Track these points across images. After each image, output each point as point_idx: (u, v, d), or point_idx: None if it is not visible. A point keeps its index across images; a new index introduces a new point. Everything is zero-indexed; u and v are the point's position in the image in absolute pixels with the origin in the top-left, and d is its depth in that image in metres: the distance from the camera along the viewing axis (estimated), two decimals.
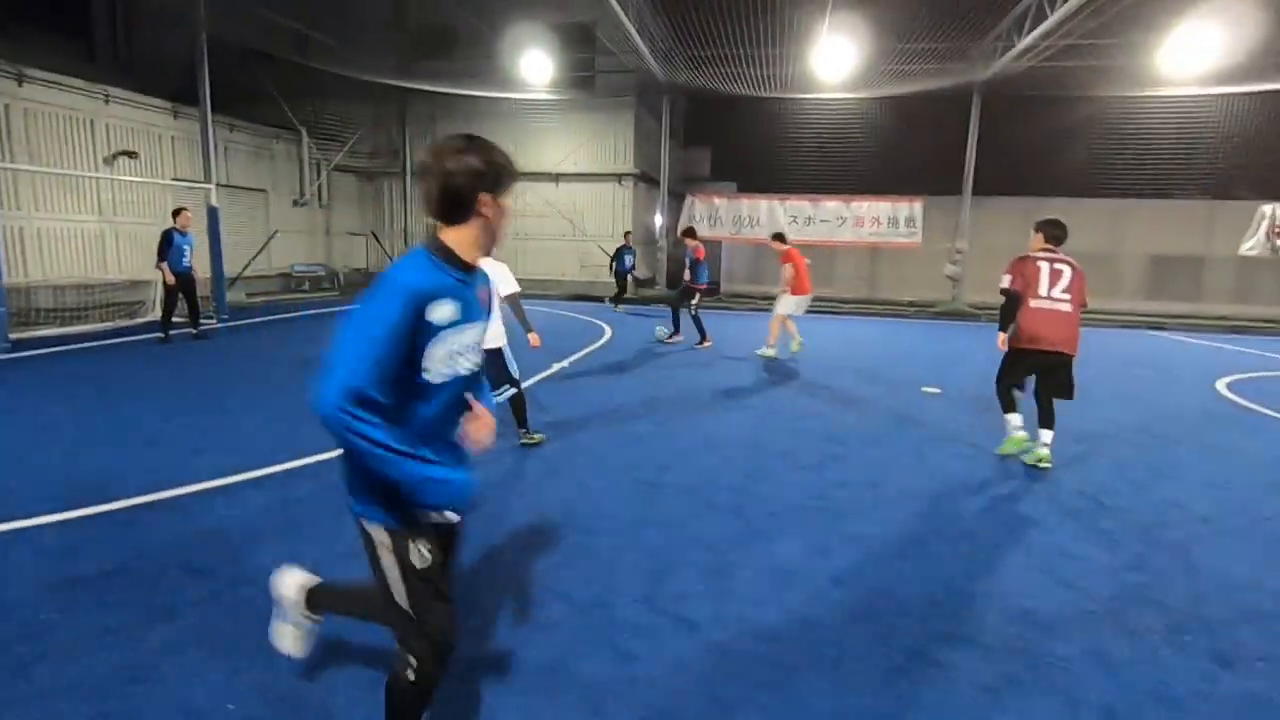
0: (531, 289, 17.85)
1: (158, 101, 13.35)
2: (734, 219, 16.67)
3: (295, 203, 17.11)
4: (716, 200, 17.32)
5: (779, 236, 9.47)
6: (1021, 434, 4.96)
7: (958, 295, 16.18)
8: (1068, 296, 4.81)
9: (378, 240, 19.06)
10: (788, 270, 9.11)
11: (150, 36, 16.41)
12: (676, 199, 18.73)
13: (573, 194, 18.18)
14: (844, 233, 16.39)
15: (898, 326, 14.16)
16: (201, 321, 10.23)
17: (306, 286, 17.01)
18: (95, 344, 8.61)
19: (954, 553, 3.47)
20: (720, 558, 3.33)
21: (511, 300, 4.89)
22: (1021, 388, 4.99)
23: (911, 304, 17.02)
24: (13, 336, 7.96)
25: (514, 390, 4.92)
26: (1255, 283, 17.20)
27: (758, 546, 3.47)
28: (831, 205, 16.50)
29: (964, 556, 3.42)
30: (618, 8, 12.49)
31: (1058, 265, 4.86)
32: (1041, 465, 4.75)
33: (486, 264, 1.89)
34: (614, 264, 15.42)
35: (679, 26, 17.37)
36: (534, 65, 15.68)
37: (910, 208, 16.19)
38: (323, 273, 17.69)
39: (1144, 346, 11.97)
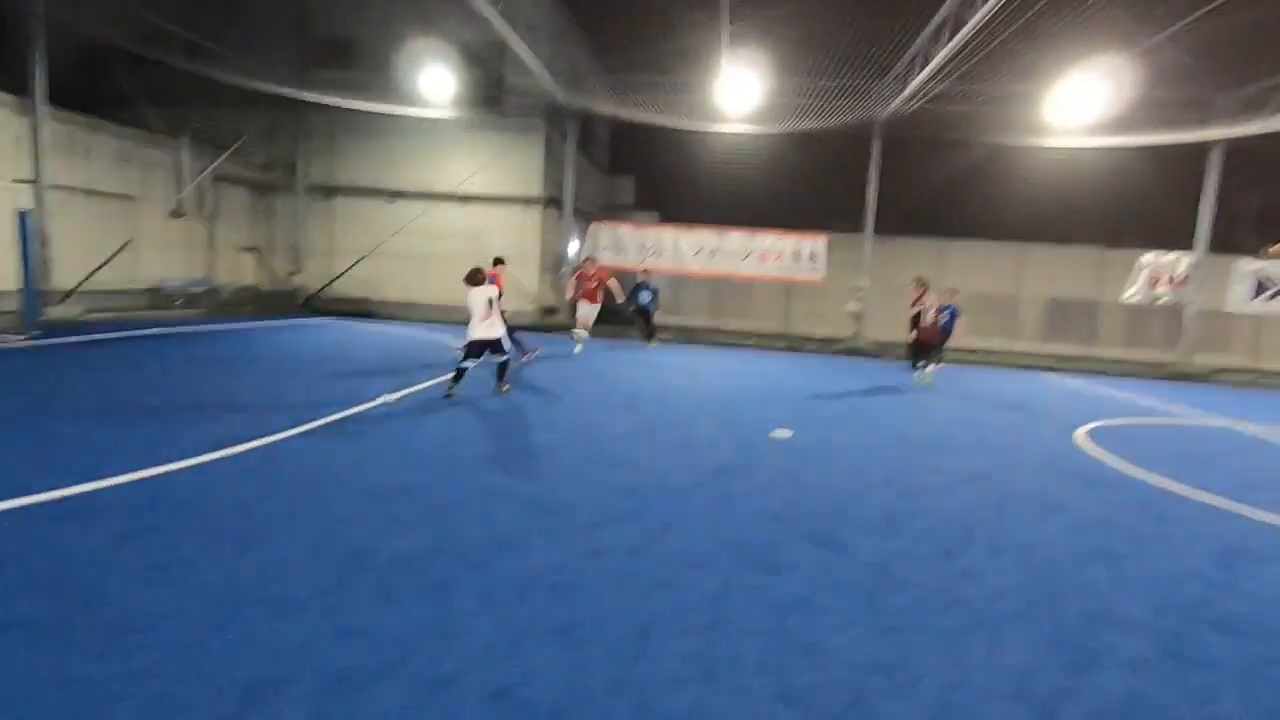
0: (431, 314, 17.05)
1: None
2: (638, 248, 16.27)
3: (172, 213, 15.91)
4: (621, 228, 16.93)
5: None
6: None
7: (859, 332, 16.10)
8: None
9: (260, 256, 17.91)
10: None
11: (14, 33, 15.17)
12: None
13: (478, 216, 17.51)
14: (748, 266, 16.18)
15: (797, 362, 13.90)
16: (5, 339, 9.13)
17: (180, 303, 15.77)
18: None
19: (667, 650, 2.88)
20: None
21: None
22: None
23: (814, 340, 16.88)
24: None
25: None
26: (1145, 328, 17.72)
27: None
28: (736, 238, 16.30)
29: (676, 656, 2.83)
30: (509, 30, 12.03)
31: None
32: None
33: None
34: (631, 301, 14.47)
35: (590, 49, 17.18)
36: (439, 82, 15.09)
37: (814, 244, 16.11)
38: (201, 289, 16.47)
39: (1026, 389, 11.95)
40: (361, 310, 17.48)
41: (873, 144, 15.74)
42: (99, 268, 13.34)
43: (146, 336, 11.01)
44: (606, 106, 15.81)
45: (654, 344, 14.52)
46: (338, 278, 17.83)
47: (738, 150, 18.50)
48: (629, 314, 14.77)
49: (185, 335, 11.73)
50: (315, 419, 6.23)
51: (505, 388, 8.20)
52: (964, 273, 18.45)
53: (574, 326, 13.24)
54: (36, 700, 2.29)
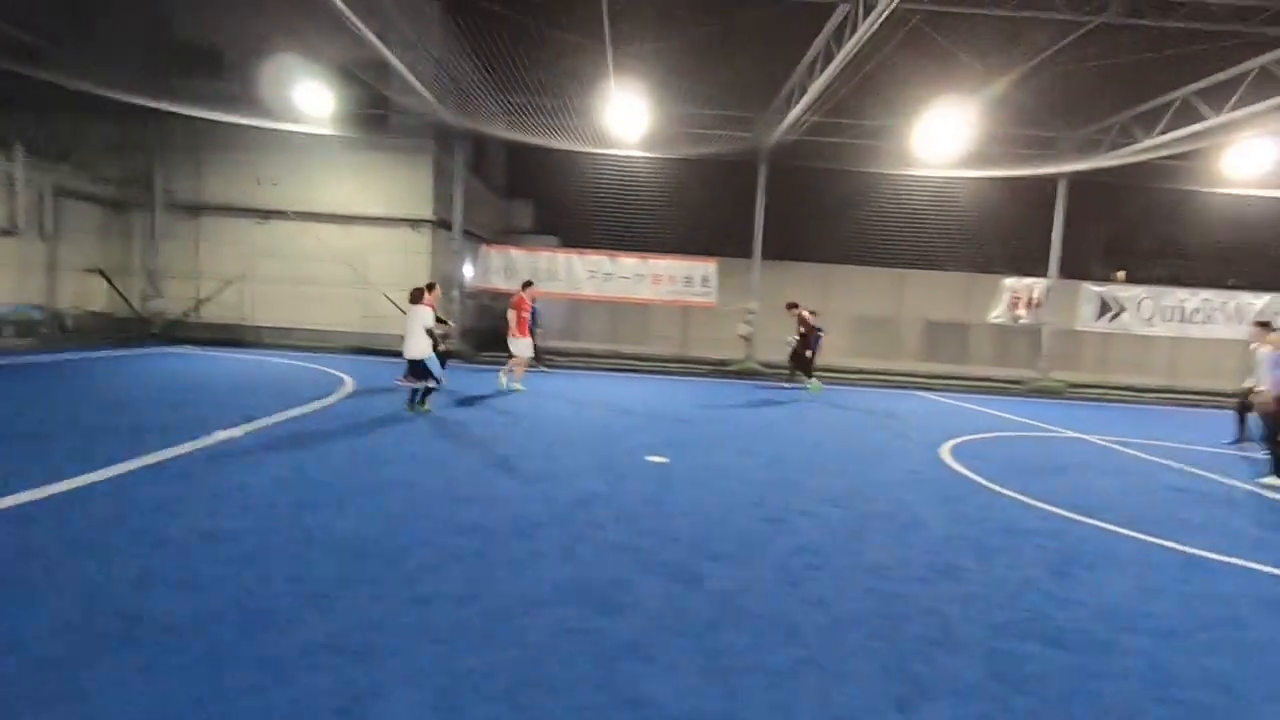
0: (307, 340, 16.01)
1: None
2: (531, 271, 15.94)
3: (2, 231, 14.19)
4: (513, 252, 16.58)
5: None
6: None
7: (750, 354, 16.40)
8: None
9: (107, 279, 16.26)
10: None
11: None
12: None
13: (362, 237, 16.67)
14: (641, 289, 16.19)
15: (689, 385, 13.92)
16: None
17: (9, 332, 14.03)
18: None
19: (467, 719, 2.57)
20: None
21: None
22: None
23: (707, 363, 17.06)
24: None
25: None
26: (1011, 347, 19.03)
27: None
28: (629, 262, 16.29)
29: None
30: (383, 46, 11.55)
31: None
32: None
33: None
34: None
35: (478, 67, 16.86)
36: (317, 98, 14.30)
37: (706, 268, 16.34)
38: (38, 316, 14.75)
39: (901, 407, 12.45)
40: (230, 338, 16.15)
41: (759, 171, 16.20)
42: None
43: None
44: (497, 128, 15.50)
45: (545, 368, 14.17)
46: (201, 303, 16.45)
47: (634, 176, 18.63)
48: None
49: (8, 367, 10.36)
50: (133, 458, 5.50)
51: (427, 408, 8.38)
52: (846, 296, 19.28)
53: (505, 365, 11.75)
54: None
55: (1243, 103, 11.65)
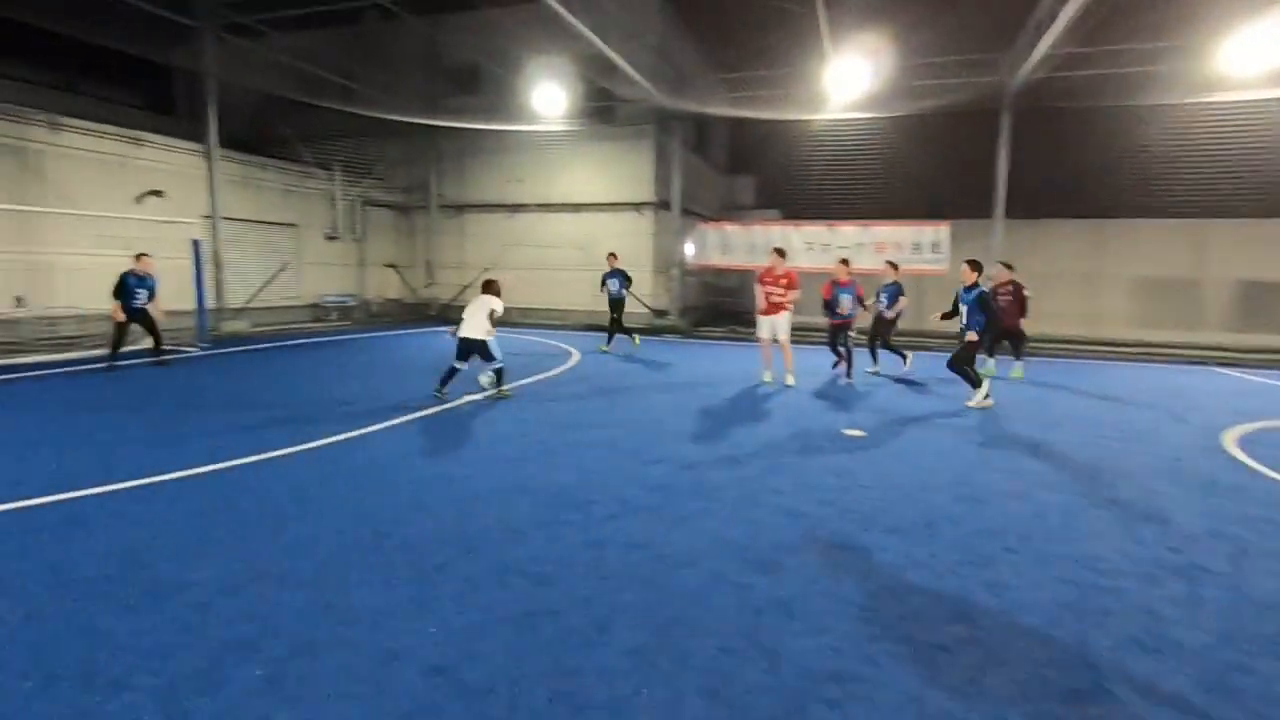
0: (545, 318, 17.88)
1: (191, 145, 14.41)
2: (747, 246, 15.99)
3: (328, 237, 17.98)
4: (728, 227, 16.73)
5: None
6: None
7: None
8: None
9: (398, 272, 19.68)
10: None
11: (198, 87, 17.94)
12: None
13: (591, 224, 18.12)
14: (863, 259, 15.35)
15: (919, 360, 12.97)
16: (182, 349, 10.83)
17: (335, 316, 17.76)
18: (68, 370, 9.19)
19: (621, 641, 2.86)
20: None
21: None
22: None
23: (941, 337, 15.62)
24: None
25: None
26: None
27: None
28: (849, 230, 15.53)
29: (628, 649, 2.81)
30: (603, 44, 12.36)
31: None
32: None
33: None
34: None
35: (697, 48, 17.19)
36: (552, 98, 15.82)
37: (937, 232, 14.97)
38: (353, 303, 18.44)
39: (1188, 384, 10.30)
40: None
41: (1001, 119, 14.36)
42: (262, 287, 15.39)
43: (296, 345, 12.56)
44: (717, 106, 15.73)
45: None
46: (466, 289, 19.22)
47: (856, 141, 17.71)
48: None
49: (330, 343, 13.21)
50: (405, 414, 6.82)
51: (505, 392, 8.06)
52: (1126, 255, 16.36)
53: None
54: (59, 645, 2.75)
55: None
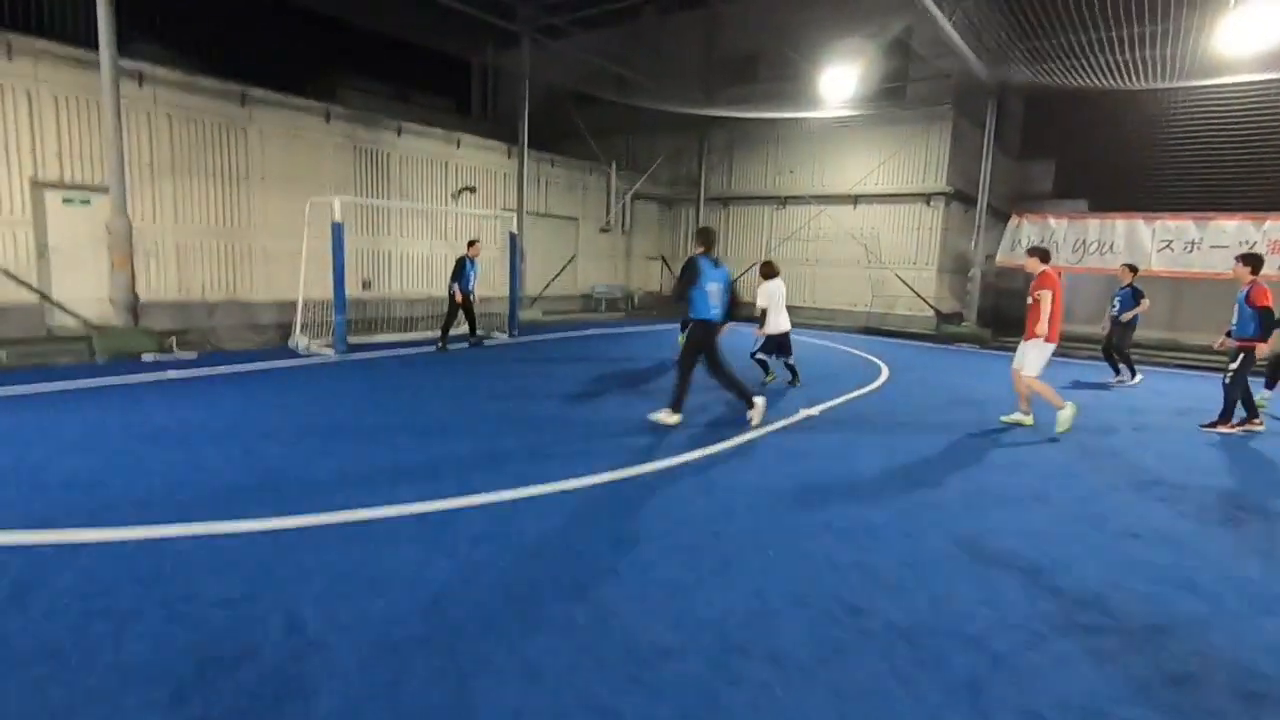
0: (814, 318, 16.75)
1: (495, 144, 15.47)
2: (1078, 243, 13.40)
3: (601, 229, 18.52)
4: (1053, 221, 14.19)
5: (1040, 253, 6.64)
6: None
7: None
8: None
9: (666, 264, 19.76)
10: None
11: (508, 90, 19.39)
12: (1002, 220, 15.92)
13: (872, 216, 16.58)
14: (1216, 260, 12.08)
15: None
16: (494, 335, 11.50)
17: (603, 306, 18.26)
18: (404, 351, 10.03)
19: None
20: None
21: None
22: None
23: None
24: (352, 341, 9.71)
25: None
26: None
27: None
28: (1230, 226, 12.29)
29: None
30: (935, 9, 10.84)
31: None
32: None
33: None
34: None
35: (1018, 15, 14.76)
36: (838, 81, 14.57)
37: None
38: (619, 294, 18.85)
39: None
40: (748, 316, 17.91)
41: None
42: (555, 277, 16.22)
43: (587, 335, 12.84)
44: (1046, 78, 13.31)
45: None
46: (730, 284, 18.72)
47: (1213, 113, 14.11)
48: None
49: (604, 335, 13.35)
50: (738, 435, 6.19)
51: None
52: None
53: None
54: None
55: None
